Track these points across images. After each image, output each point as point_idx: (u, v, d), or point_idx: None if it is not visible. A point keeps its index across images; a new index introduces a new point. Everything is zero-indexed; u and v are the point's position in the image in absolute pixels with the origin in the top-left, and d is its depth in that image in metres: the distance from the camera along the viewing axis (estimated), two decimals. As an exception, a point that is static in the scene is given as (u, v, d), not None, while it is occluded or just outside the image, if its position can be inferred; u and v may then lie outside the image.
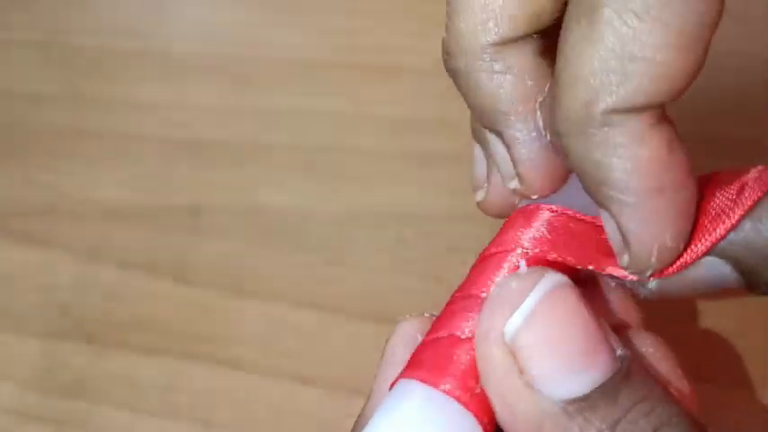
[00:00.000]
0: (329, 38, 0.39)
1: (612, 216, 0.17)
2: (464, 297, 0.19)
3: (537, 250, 0.18)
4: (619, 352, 0.17)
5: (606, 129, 0.16)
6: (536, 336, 0.17)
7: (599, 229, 0.18)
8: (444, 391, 0.17)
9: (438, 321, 0.19)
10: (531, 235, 0.19)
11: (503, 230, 0.20)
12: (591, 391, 0.16)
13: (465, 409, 0.17)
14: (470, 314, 0.18)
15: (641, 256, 0.17)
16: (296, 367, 0.31)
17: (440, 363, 0.18)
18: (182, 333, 0.32)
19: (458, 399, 0.17)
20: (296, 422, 0.31)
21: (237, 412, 0.31)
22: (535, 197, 0.19)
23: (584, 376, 0.16)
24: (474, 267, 0.19)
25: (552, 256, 0.18)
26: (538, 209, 0.19)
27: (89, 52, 0.39)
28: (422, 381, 0.17)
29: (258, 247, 0.34)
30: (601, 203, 0.17)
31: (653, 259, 0.17)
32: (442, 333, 0.18)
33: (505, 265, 0.19)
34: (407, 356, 0.19)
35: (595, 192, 0.17)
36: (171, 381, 0.31)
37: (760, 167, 0.18)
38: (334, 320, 0.32)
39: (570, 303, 0.17)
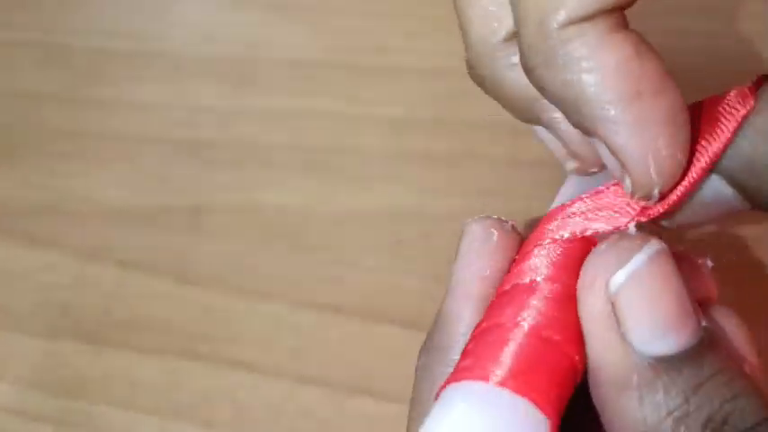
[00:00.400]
0: (329, 38, 0.39)
1: (602, 139, 0.17)
2: (512, 288, 0.19)
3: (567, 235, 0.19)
4: (703, 323, 0.18)
5: (567, 45, 0.16)
6: (637, 293, 0.17)
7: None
8: (496, 384, 0.17)
9: (489, 311, 0.19)
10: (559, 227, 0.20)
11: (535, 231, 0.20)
12: (678, 353, 0.17)
13: (521, 398, 0.17)
14: (522, 303, 0.18)
15: (640, 171, 0.18)
16: (296, 367, 0.31)
17: (486, 355, 0.18)
18: (182, 332, 0.32)
19: (513, 389, 0.17)
20: (295, 421, 0.31)
21: (237, 411, 0.31)
22: (595, 170, 0.20)
23: (675, 338, 0.17)
24: (518, 255, 0.20)
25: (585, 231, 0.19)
26: (559, 210, 0.20)
27: (90, 53, 0.39)
28: (471, 379, 0.17)
29: (258, 247, 0.34)
30: (587, 131, 0.18)
31: (652, 172, 0.17)
32: (487, 324, 0.19)
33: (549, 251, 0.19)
34: (485, 249, 0.20)
35: (578, 120, 0.17)
36: (171, 380, 0.31)
37: (737, 88, 0.19)
38: (334, 320, 0.32)
39: (669, 269, 0.18)
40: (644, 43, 0.17)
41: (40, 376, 0.32)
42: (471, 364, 0.18)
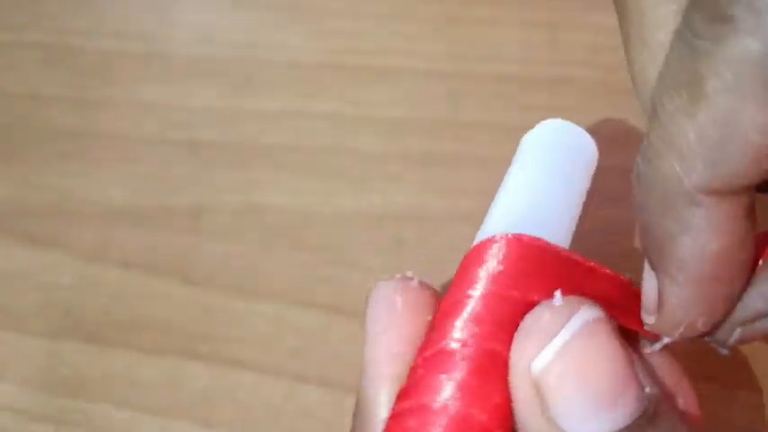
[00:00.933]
0: (329, 40, 0.39)
1: (657, 281, 0.17)
2: (431, 356, 0.17)
3: (493, 288, 0.17)
4: (647, 390, 0.16)
5: (691, 207, 0.16)
6: (563, 373, 0.16)
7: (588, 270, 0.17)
8: None
9: (406, 389, 0.17)
10: (490, 272, 0.17)
11: (460, 273, 0.18)
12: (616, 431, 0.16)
13: None
14: (441, 376, 0.16)
15: (667, 325, 0.17)
16: (296, 366, 0.31)
17: None
18: (182, 332, 0.32)
19: None
20: (296, 421, 0.31)
21: (238, 411, 0.31)
22: (666, 341, 0.18)
23: (609, 417, 0.16)
24: (435, 318, 0.18)
25: (514, 292, 0.17)
26: (492, 241, 0.18)
27: (91, 54, 0.39)
28: None
29: (259, 247, 0.34)
30: (652, 266, 0.17)
31: (677, 333, 0.17)
32: (411, 403, 0.16)
33: (465, 311, 0.17)
34: (391, 321, 0.18)
35: (651, 254, 0.17)
36: (172, 380, 0.31)
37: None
38: (335, 320, 0.32)
39: (603, 339, 0.16)
40: (751, 234, 0.16)
41: (41, 376, 0.31)
42: None
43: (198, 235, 0.34)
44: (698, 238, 0.16)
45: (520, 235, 0.17)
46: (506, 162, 0.37)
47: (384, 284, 0.19)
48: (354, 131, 0.37)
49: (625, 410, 0.16)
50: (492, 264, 0.17)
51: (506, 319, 0.17)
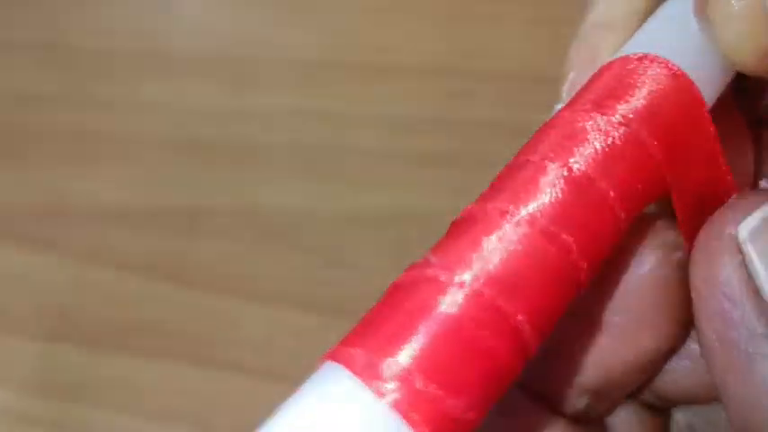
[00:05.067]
0: (329, 38, 0.39)
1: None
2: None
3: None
4: None
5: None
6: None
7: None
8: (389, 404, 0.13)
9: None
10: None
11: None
12: None
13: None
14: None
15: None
16: (296, 369, 0.31)
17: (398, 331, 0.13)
18: (181, 335, 0.32)
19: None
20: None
21: (236, 414, 0.31)
22: None
23: None
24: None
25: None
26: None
27: (90, 53, 0.39)
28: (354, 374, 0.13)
29: (258, 249, 0.34)
30: None
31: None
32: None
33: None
34: None
35: None
36: (169, 383, 0.31)
37: None
38: (335, 322, 0.32)
39: None
40: None
41: (38, 379, 0.32)
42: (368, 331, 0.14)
43: (195, 236, 0.34)
44: None
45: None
46: (507, 161, 0.37)
47: None
48: (354, 130, 0.37)
49: None
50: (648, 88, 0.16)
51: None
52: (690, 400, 0.18)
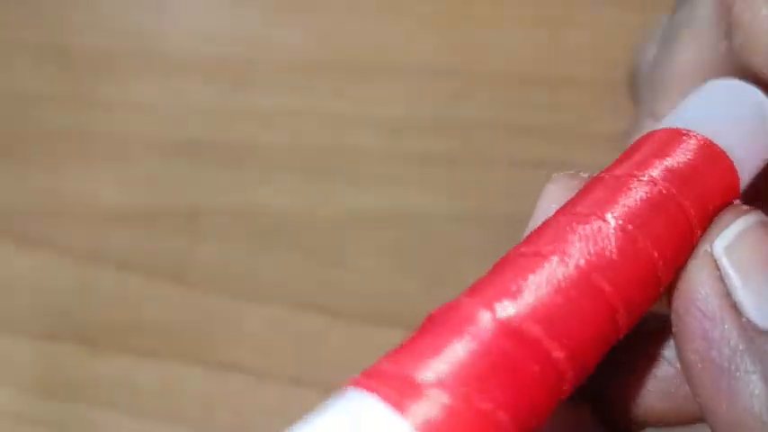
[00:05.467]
0: (329, 38, 0.39)
1: None
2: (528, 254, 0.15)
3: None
4: None
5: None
6: (747, 255, 0.15)
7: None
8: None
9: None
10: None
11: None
12: None
13: None
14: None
15: None
16: (295, 370, 0.31)
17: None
18: (181, 336, 0.32)
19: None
20: (295, 425, 0.31)
21: (236, 415, 0.31)
22: None
23: None
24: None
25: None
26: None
27: (88, 53, 0.39)
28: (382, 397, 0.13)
29: (257, 249, 0.34)
30: None
31: None
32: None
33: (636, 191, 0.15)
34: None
35: None
36: (170, 383, 0.31)
37: None
38: (334, 323, 0.32)
39: None
40: None
41: (38, 379, 0.31)
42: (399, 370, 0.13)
43: (195, 236, 0.34)
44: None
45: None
46: (507, 161, 0.37)
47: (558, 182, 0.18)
48: (354, 131, 0.37)
49: None
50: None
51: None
52: (661, 423, 0.18)
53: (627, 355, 0.17)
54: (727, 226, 0.15)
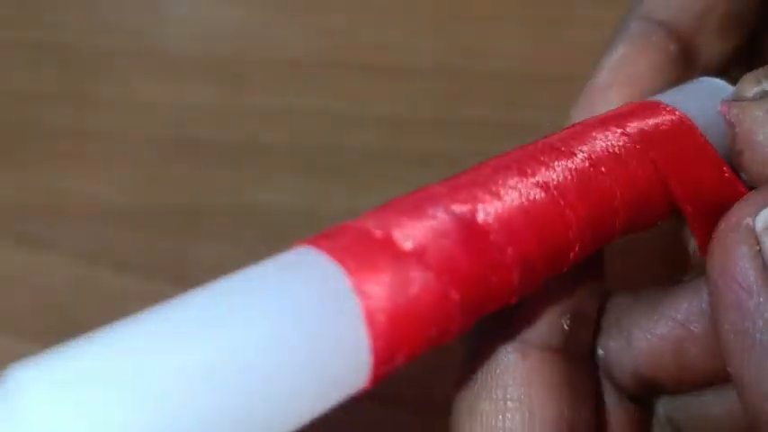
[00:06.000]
0: (328, 37, 0.39)
1: None
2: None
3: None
4: None
5: None
6: None
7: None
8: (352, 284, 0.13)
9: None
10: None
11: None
12: None
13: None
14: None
15: None
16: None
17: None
18: (180, 334, 0.32)
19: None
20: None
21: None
22: None
23: None
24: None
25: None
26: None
27: (88, 52, 0.39)
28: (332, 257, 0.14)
29: (257, 248, 0.33)
30: None
31: None
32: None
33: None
34: None
35: None
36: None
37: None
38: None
39: None
40: None
41: None
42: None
43: (195, 235, 0.34)
44: None
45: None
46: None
47: None
48: (353, 130, 0.36)
49: None
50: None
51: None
52: (675, 384, 0.18)
53: (641, 319, 0.18)
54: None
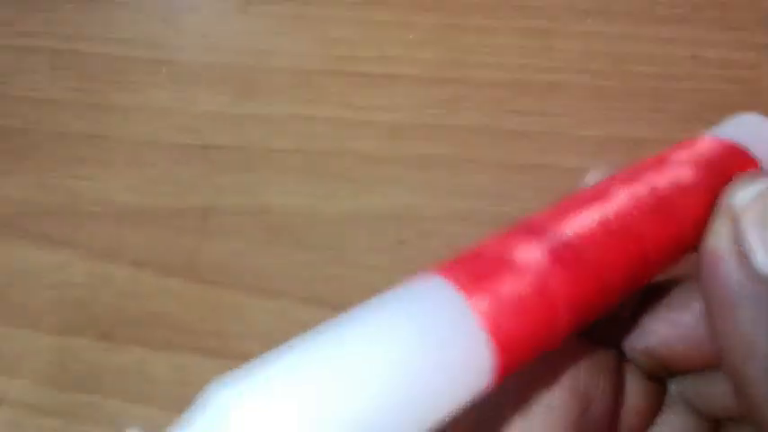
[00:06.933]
0: (331, 48, 0.39)
1: None
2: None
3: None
4: None
5: None
6: (761, 210, 0.16)
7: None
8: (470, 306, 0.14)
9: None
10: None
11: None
12: None
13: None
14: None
15: None
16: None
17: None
18: (192, 329, 0.32)
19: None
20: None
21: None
22: None
23: None
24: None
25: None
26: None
27: (104, 60, 0.39)
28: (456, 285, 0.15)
29: (264, 247, 0.34)
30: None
31: None
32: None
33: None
34: None
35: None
36: (181, 375, 0.31)
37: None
38: (336, 315, 0.32)
39: None
40: None
41: (54, 371, 0.31)
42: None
43: (206, 235, 0.34)
44: None
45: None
46: (504, 165, 0.36)
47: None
48: (356, 135, 0.37)
49: None
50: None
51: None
52: (685, 364, 0.19)
53: (652, 305, 0.19)
54: (748, 185, 0.17)
